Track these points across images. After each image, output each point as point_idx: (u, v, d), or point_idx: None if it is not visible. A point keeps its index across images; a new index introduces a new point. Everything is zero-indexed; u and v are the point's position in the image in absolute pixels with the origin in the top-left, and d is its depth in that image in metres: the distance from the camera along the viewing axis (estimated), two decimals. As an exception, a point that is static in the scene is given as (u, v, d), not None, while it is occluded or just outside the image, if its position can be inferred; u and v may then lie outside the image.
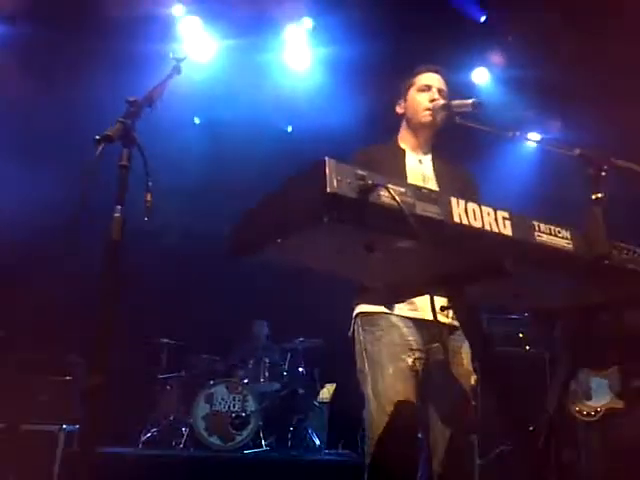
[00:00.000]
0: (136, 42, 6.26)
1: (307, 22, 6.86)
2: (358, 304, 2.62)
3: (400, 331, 2.48)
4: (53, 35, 6.24)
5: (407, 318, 2.51)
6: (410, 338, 2.49)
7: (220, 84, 7.03)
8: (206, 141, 7.21)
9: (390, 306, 2.46)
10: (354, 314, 2.63)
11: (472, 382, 2.55)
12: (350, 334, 2.66)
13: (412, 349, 2.48)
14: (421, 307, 2.51)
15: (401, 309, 2.49)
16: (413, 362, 2.45)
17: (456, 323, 2.48)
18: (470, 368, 2.55)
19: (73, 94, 6.25)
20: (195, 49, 6.86)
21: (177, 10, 6.71)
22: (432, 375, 2.52)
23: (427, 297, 2.36)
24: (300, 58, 7.19)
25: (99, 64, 6.25)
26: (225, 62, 7.02)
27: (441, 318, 2.49)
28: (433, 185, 2.63)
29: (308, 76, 7.21)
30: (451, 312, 2.34)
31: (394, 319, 2.49)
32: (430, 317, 2.45)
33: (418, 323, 2.51)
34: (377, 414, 2.41)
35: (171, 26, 6.73)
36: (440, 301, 2.14)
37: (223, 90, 7.04)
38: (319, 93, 7.07)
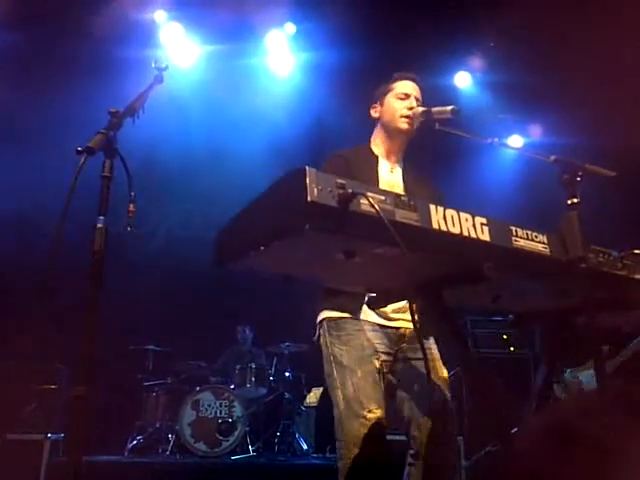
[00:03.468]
0: (118, 48, 6.26)
1: (290, 27, 6.90)
2: (322, 310, 2.64)
3: (367, 335, 2.52)
4: (33, 40, 6.22)
5: (374, 324, 2.56)
6: (377, 341, 2.53)
7: (203, 89, 7.04)
8: (190, 147, 7.20)
9: (356, 313, 2.51)
10: (319, 320, 2.65)
11: (445, 374, 2.61)
12: (315, 339, 2.68)
13: (379, 352, 2.52)
14: (385, 314, 2.56)
15: (367, 315, 2.54)
16: (380, 365, 2.50)
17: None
18: (440, 363, 2.60)
19: (53, 100, 6.23)
20: (177, 55, 6.87)
21: (159, 16, 6.72)
22: (404, 375, 2.57)
23: (393, 305, 2.45)
24: (283, 63, 7.23)
25: (80, 70, 6.23)
26: (207, 68, 7.03)
27: (403, 323, 2.59)
28: None
29: (290, 81, 7.25)
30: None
31: (361, 323, 2.54)
32: (394, 324, 2.56)
33: (384, 328, 2.57)
34: (347, 418, 2.43)
35: (153, 32, 6.74)
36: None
37: (206, 95, 7.06)
38: (301, 98, 7.11)
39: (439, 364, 2.60)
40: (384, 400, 2.48)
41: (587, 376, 5.04)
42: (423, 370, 2.49)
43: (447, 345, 2.52)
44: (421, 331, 2.45)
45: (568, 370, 4.98)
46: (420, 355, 2.51)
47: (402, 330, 2.59)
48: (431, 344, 2.60)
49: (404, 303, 2.46)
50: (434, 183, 2.91)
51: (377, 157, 2.81)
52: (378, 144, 2.85)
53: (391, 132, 2.81)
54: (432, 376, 2.51)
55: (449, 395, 2.57)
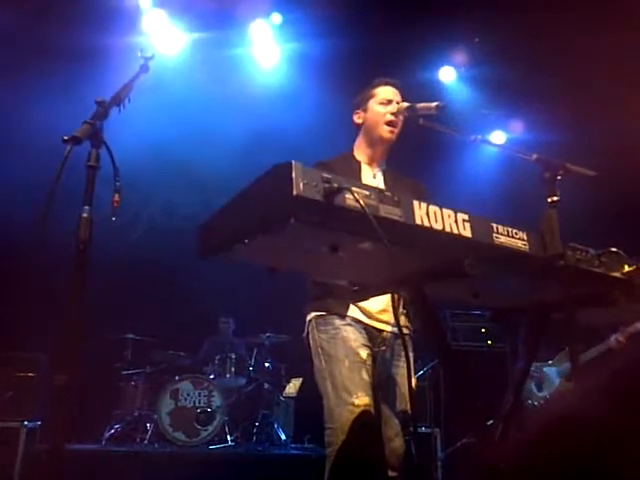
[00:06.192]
0: (101, 35, 6.17)
1: (276, 17, 6.86)
2: (310, 311, 2.73)
3: (353, 328, 2.61)
4: (15, 26, 6.10)
5: (359, 321, 2.64)
6: (362, 336, 2.62)
7: (188, 77, 6.98)
8: (173, 135, 7.14)
9: (342, 311, 2.61)
10: (307, 319, 2.73)
11: (412, 385, 2.66)
12: (304, 335, 2.76)
13: (364, 345, 2.61)
14: (370, 314, 2.65)
15: (353, 311, 2.63)
16: (367, 356, 2.59)
17: (404, 329, 2.60)
18: (412, 373, 2.65)
19: (35, 88, 6.13)
20: (162, 42, 6.79)
21: (144, 2, 6.64)
22: (377, 375, 2.66)
23: (378, 305, 2.60)
24: (268, 54, 7.18)
25: (62, 57, 6.14)
26: (192, 55, 6.97)
27: (385, 326, 2.67)
28: None
29: (276, 72, 7.21)
30: (402, 317, 2.55)
31: (347, 319, 2.62)
32: (377, 325, 2.65)
33: (367, 327, 2.65)
34: (336, 406, 2.51)
35: (137, 19, 6.65)
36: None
37: (191, 84, 6.98)
38: (287, 89, 7.08)
39: (410, 374, 2.66)
40: (371, 388, 2.55)
41: (548, 372, 5.20)
42: (394, 374, 2.66)
43: (427, 337, 2.56)
44: (423, 330, 2.52)
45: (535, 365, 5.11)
46: (394, 359, 2.67)
47: (384, 334, 2.68)
48: (409, 354, 2.65)
49: (388, 303, 2.53)
50: (417, 184, 2.93)
51: (360, 163, 2.83)
52: (361, 151, 2.89)
53: (374, 139, 2.84)
54: (399, 384, 2.64)
55: (409, 405, 2.63)
